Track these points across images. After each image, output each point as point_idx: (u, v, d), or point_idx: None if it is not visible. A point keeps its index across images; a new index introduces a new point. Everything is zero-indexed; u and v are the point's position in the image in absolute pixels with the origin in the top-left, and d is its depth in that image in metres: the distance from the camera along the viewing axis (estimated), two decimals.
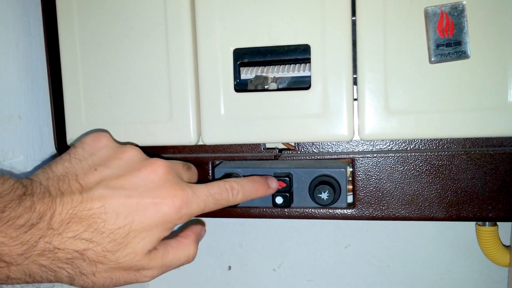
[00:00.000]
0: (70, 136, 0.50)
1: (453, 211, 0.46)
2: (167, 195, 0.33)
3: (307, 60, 0.46)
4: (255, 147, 0.49)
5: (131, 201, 0.32)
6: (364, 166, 0.47)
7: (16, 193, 0.29)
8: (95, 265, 0.31)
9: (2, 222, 0.27)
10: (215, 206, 0.37)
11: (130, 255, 0.32)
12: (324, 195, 0.46)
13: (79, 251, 0.30)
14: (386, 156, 0.47)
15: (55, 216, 0.29)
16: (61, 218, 0.29)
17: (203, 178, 0.50)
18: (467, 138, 0.45)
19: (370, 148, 0.47)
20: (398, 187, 0.47)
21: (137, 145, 0.36)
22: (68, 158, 0.34)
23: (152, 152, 0.51)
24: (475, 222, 0.63)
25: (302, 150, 0.49)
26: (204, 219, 0.67)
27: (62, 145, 0.51)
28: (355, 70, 0.44)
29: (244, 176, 0.48)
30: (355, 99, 0.45)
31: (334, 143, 0.48)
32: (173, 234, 0.37)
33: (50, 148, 0.54)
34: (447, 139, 0.46)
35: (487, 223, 0.61)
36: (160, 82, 0.47)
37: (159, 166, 0.34)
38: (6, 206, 0.28)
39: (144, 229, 0.32)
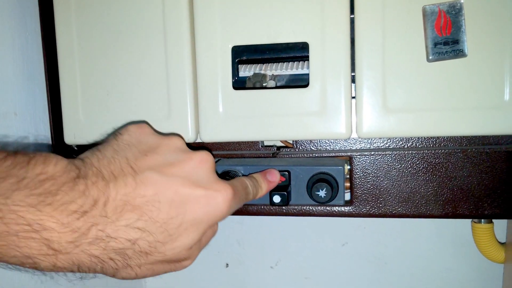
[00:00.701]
0: (68, 133, 0.50)
1: (450, 209, 0.47)
2: (219, 188, 0.32)
3: (306, 58, 0.46)
4: (253, 144, 0.49)
5: (184, 190, 0.31)
6: (362, 163, 0.48)
7: (70, 175, 0.28)
8: (144, 257, 0.30)
9: (53, 207, 0.26)
10: (244, 201, 0.37)
11: (177, 249, 0.31)
12: (322, 193, 0.46)
13: (131, 240, 0.29)
14: (383, 154, 0.47)
15: (109, 202, 0.28)
16: (114, 205, 0.28)
17: None
18: (463, 136, 0.46)
19: (368, 146, 0.48)
20: (395, 185, 0.47)
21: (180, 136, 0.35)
22: (116, 143, 0.33)
23: None
24: (471, 220, 0.64)
25: (300, 147, 0.49)
26: None
27: (59, 142, 0.51)
28: (353, 68, 0.44)
29: (243, 174, 0.48)
30: (353, 97, 0.45)
31: (332, 141, 0.48)
32: None
33: (46, 145, 0.54)
34: (444, 137, 0.46)
35: (482, 220, 0.61)
36: (158, 80, 0.47)
37: (208, 156, 0.34)
38: (59, 189, 0.27)
39: (195, 221, 0.31)
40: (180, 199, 0.31)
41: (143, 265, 0.30)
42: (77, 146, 0.53)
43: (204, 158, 0.33)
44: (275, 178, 0.44)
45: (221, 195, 0.32)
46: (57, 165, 0.28)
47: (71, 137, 0.50)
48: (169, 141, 0.34)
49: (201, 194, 0.31)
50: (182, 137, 0.35)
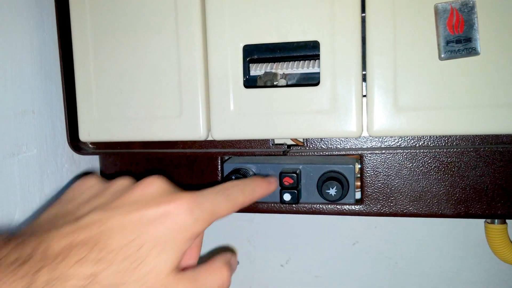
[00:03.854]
0: (82, 131, 0.51)
1: (462, 208, 0.46)
2: (171, 200, 0.30)
3: (316, 57, 0.46)
4: (264, 142, 0.50)
5: (132, 215, 0.28)
6: (373, 162, 0.48)
7: (1, 238, 0.26)
8: None
9: None
10: (227, 204, 0.33)
11: (152, 273, 0.28)
12: (332, 191, 0.46)
13: (90, 275, 0.26)
14: (394, 153, 0.47)
15: (52, 245, 0.26)
16: (59, 247, 0.26)
17: (213, 173, 0.51)
18: (476, 135, 0.45)
19: (379, 144, 0.48)
20: (406, 184, 0.47)
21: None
22: (58, 202, 0.32)
23: (162, 147, 0.52)
24: (484, 220, 0.63)
25: (311, 146, 0.49)
26: None
27: (74, 140, 0.52)
28: (364, 67, 0.44)
29: (253, 171, 0.49)
30: (364, 96, 0.45)
31: (343, 139, 0.48)
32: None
33: (62, 142, 0.55)
34: (456, 136, 0.46)
35: (496, 220, 0.60)
36: (171, 78, 0.47)
37: (153, 178, 0.31)
38: None
39: (157, 242, 0.28)
40: (131, 225, 0.28)
41: None
42: (92, 143, 0.54)
43: (149, 181, 0.31)
44: (274, 180, 0.40)
45: (175, 207, 0.29)
46: None
47: (86, 135, 0.51)
48: (113, 185, 0.32)
49: (153, 213, 0.29)
50: (129, 177, 0.33)
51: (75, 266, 0.25)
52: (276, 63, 0.48)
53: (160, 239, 0.28)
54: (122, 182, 0.32)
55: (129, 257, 0.27)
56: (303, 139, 0.49)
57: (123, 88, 0.49)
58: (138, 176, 0.34)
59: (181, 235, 0.29)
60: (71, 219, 0.28)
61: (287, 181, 0.46)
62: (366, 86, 0.44)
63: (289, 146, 0.50)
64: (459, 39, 0.42)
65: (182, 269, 0.31)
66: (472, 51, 0.42)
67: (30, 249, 0.25)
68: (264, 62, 0.48)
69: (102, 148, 0.54)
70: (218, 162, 0.51)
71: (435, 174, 0.46)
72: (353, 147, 0.48)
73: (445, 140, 0.46)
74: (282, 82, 0.48)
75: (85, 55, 0.50)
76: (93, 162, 0.62)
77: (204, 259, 0.35)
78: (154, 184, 0.31)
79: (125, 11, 0.48)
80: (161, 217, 0.29)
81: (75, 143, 0.52)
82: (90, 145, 0.54)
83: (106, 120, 0.50)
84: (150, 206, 0.29)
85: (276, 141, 0.50)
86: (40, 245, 0.26)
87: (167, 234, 0.29)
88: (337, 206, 0.49)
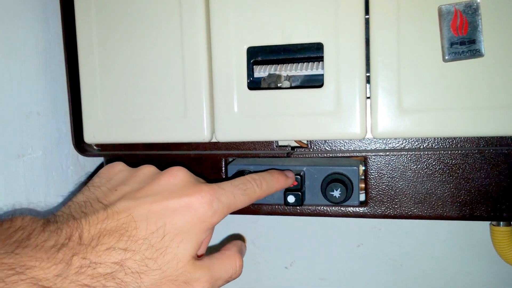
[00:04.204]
0: (87, 133, 0.51)
1: (467, 211, 0.46)
2: (193, 192, 0.32)
3: (320, 58, 0.46)
4: (268, 144, 0.50)
5: (157, 205, 0.31)
6: (377, 164, 0.47)
7: (39, 223, 0.28)
8: (140, 278, 0.29)
9: (30, 248, 0.26)
10: (244, 197, 0.35)
11: (172, 261, 0.30)
12: (337, 193, 0.46)
13: (117, 262, 0.28)
14: (399, 155, 0.47)
15: (84, 233, 0.28)
16: (90, 235, 0.28)
17: (216, 175, 0.51)
18: (481, 137, 0.45)
19: (383, 146, 0.47)
20: (411, 186, 0.47)
21: (166, 168, 0.36)
22: (87, 188, 0.34)
23: (167, 149, 0.52)
24: (489, 222, 0.63)
25: (315, 148, 0.49)
26: None
27: (79, 142, 0.52)
28: (368, 69, 0.44)
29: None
30: (368, 97, 0.45)
31: (347, 141, 0.48)
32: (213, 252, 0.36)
33: (67, 144, 0.55)
34: (461, 137, 0.46)
35: (501, 223, 0.60)
36: (175, 80, 0.48)
37: (177, 169, 0.34)
38: (30, 234, 0.27)
39: (179, 230, 0.31)
40: (155, 215, 0.31)
41: None
42: (96, 145, 0.54)
43: (173, 173, 0.34)
44: (291, 175, 0.43)
45: (196, 199, 0.32)
46: (24, 218, 0.28)
47: (91, 136, 0.51)
48: (139, 172, 0.35)
49: (175, 204, 0.31)
50: (153, 166, 0.36)
51: (104, 254, 0.28)
52: (280, 65, 0.48)
53: (181, 229, 0.31)
54: (147, 170, 0.35)
55: (153, 246, 0.30)
56: (307, 141, 0.49)
57: (128, 90, 0.49)
58: None
59: (201, 225, 0.32)
60: (101, 206, 0.31)
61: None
62: (370, 88, 0.44)
63: (293, 148, 0.50)
64: (463, 41, 0.41)
65: (198, 256, 0.33)
66: (476, 53, 0.41)
67: (66, 235, 0.28)
68: (268, 64, 0.49)
69: (107, 150, 0.54)
70: (222, 163, 0.51)
71: (440, 176, 0.46)
72: (357, 149, 0.48)
73: (449, 142, 0.46)
74: (286, 84, 0.48)
75: (90, 57, 0.50)
76: (98, 163, 0.62)
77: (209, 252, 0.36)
78: (178, 175, 0.33)
79: (130, 14, 0.48)
80: (183, 208, 0.31)
81: (80, 145, 0.53)
82: (95, 147, 0.54)
83: (111, 122, 0.50)
84: (173, 197, 0.31)
85: (280, 143, 0.50)
86: (75, 232, 0.28)
87: (188, 224, 0.31)
88: (341, 208, 0.49)
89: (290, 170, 0.45)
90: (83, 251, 0.27)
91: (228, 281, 0.34)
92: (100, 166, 0.63)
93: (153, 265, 0.29)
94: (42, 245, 0.27)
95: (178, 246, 0.31)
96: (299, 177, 0.46)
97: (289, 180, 0.43)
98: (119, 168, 0.36)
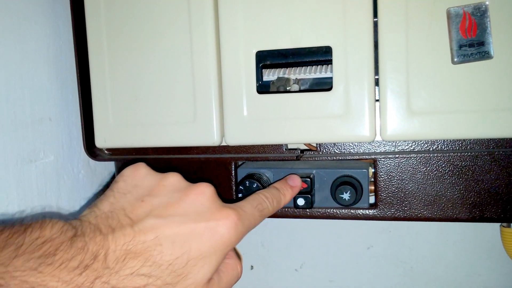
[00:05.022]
0: (98, 137, 0.51)
1: (477, 212, 0.46)
2: (220, 217, 0.32)
3: (329, 62, 0.46)
4: (277, 147, 0.50)
5: (185, 227, 0.31)
6: (386, 166, 0.48)
7: (67, 235, 0.28)
8: None
9: (54, 266, 0.26)
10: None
11: (190, 286, 0.30)
12: (346, 196, 0.46)
13: None
14: (408, 157, 0.47)
15: (109, 254, 0.28)
16: (115, 256, 0.28)
17: (226, 178, 0.51)
18: (490, 139, 0.45)
19: (392, 148, 0.48)
20: (420, 188, 0.47)
21: (177, 171, 0.36)
22: (112, 194, 0.33)
23: (177, 153, 0.52)
24: (499, 224, 0.62)
25: (324, 150, 0.49)
26: None
27: (90, 146, 0.53)
28: (376, 71, 0.44)
29: (267, 176, 0.49)
30: (377, 100, 0.45)
31: (356, 143, 0.48)
32: None
33: (79, 149, 0.56)
34: (470, 139, 0.46)
35: (511, 224, 0.60)
36: (185, 84, 0.48)
37: (205, 187, 0.34)
38: (57, 249, 0.27)
39: (202, 256, 0.31)
40: (182, 238, 0.30)
41: None
42: (107, 149, 0.55)
43: (201, 190, 0.33)
44: (296, 182, 0.44)
45: (223, 224, 0.32)
46: (53, 228, 0.28)
47: (102, 141, 0.51)
48: (165, 181, 0.34)
49: (203, 228, 0.31)
50: (179, 174, 0.35)
51: (127, 279, 0.28)
52: (288, 68, 0.49)
53: (205, 254, 0.31)
54: (174, 180, 0.34)
55: (175, 271, 0.30)
56: (317, 144, 0.49)
57: (138, 94, 0.50)
58: None
59: (224, 249, 0.32)
60: (128, 222, 0.30)
61: (302, 185, 0.46)
62: (379, 91, 0.44)
63: (302, 151, 0.50)
64: (472, 43, 0.42)
65: None
66: (485, 55, 0.41)
67: (92, 254, 0.28)
68: (277, 68, 0.49)
69: (117, 154, 0.54)
70: (232, 167, 0.51)
71: (450, 178, 0.46)
72: (367, 151, 0.48)
73: (459, 144, 0.46)
74: (295, 87, 0.48)
75: (100, 62, 0.51)
76: (109, 168, 0.62)
77: None
78: (206, 193, 0.33)
79: (140, 19, 0.49)
80: (210, 232, 0.31)
81: (91, 150, 0.53)
82: (106, 151, 0.55)
83: (122, 126, 0.50)
84: (201, 220, 0.32)
85: (290, 146, 0.50)
86: (101, 250, 0.28)
87: (212, 248, 0.31)
88: (351, 211, 0.49)
89: (297, 175, 0.46)
90: (107, 274, 0.27)
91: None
92: (112, 170, 0.63)
93: None
94: (67, 265, 0.27)
95: (199, 272, 0.31)
96: (309, 179, 0.46)
97: (295, 190, 0.43)
98: (144, 171, 0.35)
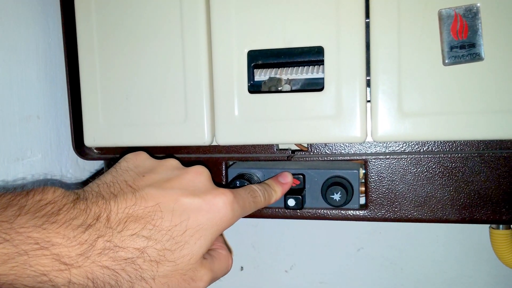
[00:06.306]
0: (88, 136, 0.51)
1: (466, 214, 0.46)
2: (217, 193, 0.34)
3: (321, 62, 0.46)
4: (268, 148, 0.50)
5: (184, 199, 0.32)
6: (377, 167, 0.48)
7: (70, 198, 0.29)
8: (156, 266, 0.30)
9: (58, 224, 0.27)
10: (253, 205, 0.38)
11: (186, 256, 0.31)
12: (337, 196, 0.46)
13: (139, 249, 0.29)
14: (399, 158, 0.47)
15: (112, 216, 0.29)
16: (118, 218, 0.30)
17: (217, 178, 0.51)
18: (480, 141, 0.45)
19: (383, 149, 0.48)
20: (410, 189, 0.47)
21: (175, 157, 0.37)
22: (115, 170, 0.35)
23: (167, 152, 0.52)
24: (489, 225, 0.63)
25: (315, 151, 0.49)
26: None
27: (79, 145, 0.52)
28: (368, 72, 0.44)
29: (257, 176, 0.49)
30: (368, 101, 0.45)
31: (347, 144, 0.48)
32: None
33: (67, 148, 0.55)
34: (461, 141, 0.46)
35: (501, 226, 0.60)
36: (176, 84, 0.48)
37: (203, 169, 0.36)
38: (60, 209, 0.28)
39: (200, 227, 0.32)
40: (181, 208, 0.32)
41: (157, 278, 0.31)
42: (96, 148, 0.54)
43: (199, 171, 0.35)
44: (287, 179, 0.44)
45: (221, 200, 0.33)
46: (55, 192, 0.29)
47: (91, 140, 0.51)
48: (165, 162, 0.36)
49: (201, 201, 0.33)
50: (177, 159, 0.37)
51: (128, 239, 0.29)
52: (280, 68, 0.49)
53: (202, 226, 0.32)
54: (174, 162, 0.37)
55: (174, 238, 0.31)
56: (308, 144, 0.49)
57: (128, 93, 0.49)
58: None
59: (220, 225, 0.33)
60: (130, 190, 0.32)
61: (294, 182, 0.46)
62: (370, 92, 0.45)
63: (293, 151, 0.50)
64: (463, 45, 0.42)
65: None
66: (476, 57, 0.42)
67: (94, 216, 0.29)
68: (269, 68, 0.49)
69: (107, 153, 0.54)
70: (222, 167, 0.51)
71: (440, 179, 0.46)
72: (358, 152, 0.48)
73: (449, 145, 0.46)
74: (287, 87, 0.48)
75: (90, 60, 0.50)
76: (97, 167, 0.62)
77: None
78: (203, 174, 0.35)
79: (131, 18, 0.49)
80: (208, 206, 0.33)
81: (80, 148, 0.53)
82: (95, 150, 0.54)
83: (111, 125, 0.50)
84: (199, 194, 0.33)
85: (281, 146, 0.50)
86: (103, 213, 0.29)
87: (210, 222, 0.33)
88: (342, 212, 0.49)
89: (289, 171, 0.46)
90: (109, 234, 0.29)
91: (218, 279, 0.37)
92: (101, 169, 0.63)
93: (170, 257, 0.31)
94: (70, 223, 0.28)
95: (195, 243, 0.32)
96: (301, 176, 0.46)
97: (285, 187, 0.44)
98: (144, 156, 0.37)
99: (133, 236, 0.29)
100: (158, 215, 0.31)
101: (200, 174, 0.35)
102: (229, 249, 0.39)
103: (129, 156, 0.37)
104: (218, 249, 0.37)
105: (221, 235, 0.39)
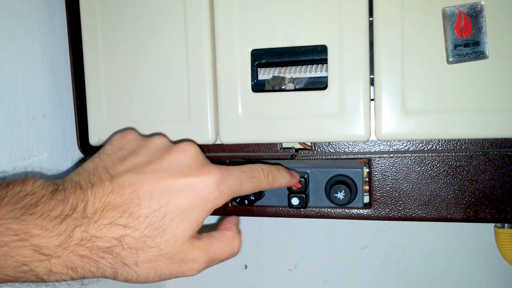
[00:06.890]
0: (92, 135, 0.51)
1: (471, 212, 0.46)
2: (200, 173, 0.32)
3: (324, 61, 0.46)
4: (272, 146, 0.50)
5: (163, 183, 0.31)
6: (381, 166, 0.48)
7: (48, 189, 0.29)
8: (136, 253, 0.30)
9: (36, 216, 0.28)
10: (250, 185, 0.35)
11: (170, 241, 0.31)
12: (340, 195, 0.46)
13: (117, 238, 0.29)
14: (403, 157, 0.47)
15: (88, 206, 0.29)
16: (94, 208, 0.29)
17: None
18: (485, 139, 0.45)
19: (387, 148, 0.48)
20: (415, 188, 0.47)
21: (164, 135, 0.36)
22: (98, 155, 0.35)
23: None
24: (493, 224, 0.63)
25: (319, 150, 0.49)
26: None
27: (84, 144, 0.53)
28: (372, 71, 0.44)
29: None
30: (372, 100, 0.45)
31: (351, 143, 0.48)
32: (212, 228, 0.36)
33: (72, 146, 0.56)
34: (465, 139, 0.46)
35: (506, 224, 0.60)
36: (179, 83, 0.48)
37: (188, 146, 0.33)
38: (38, 201, 0.28)
39: (180, 211, 0.31)
40: (159, 193, 0.31)
41: (140, 263, 0.30)
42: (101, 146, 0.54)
43: (183, 149, 0.33)
44: (297, 176, 0.43)
45: (202, 181, 0.32)
46: (35, 183, 0.29)
47: (96, 138, 0.51)
48: (149, 142, 0.35)
49: (181, 184, 0.31)
50: (165, 136, 0.36)
51: (105, 228, 0.29)
52: (284, 67, 0.49)
53: (183, 209, 0.31)
54: (159, 141, 0.35)
55: (153, 225, 0.30)
56: (311, 143, 0.49)
57: (133, 92, 0.49)
58: None
59: (204, 206, 0.32)
60: (108, 177, 0.31)
61: (295, 185, 0.46)
62: (374, 90, 0.44)
63: (297, 150, 0.50)
64: (467, 43, 0.42)
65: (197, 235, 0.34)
66: (480, 55, 0.41)
67: (71, 206, 0.29)
68: (272, 66, 0.49)
69: None
70: None
71: (444, 178, 0.46)
72: (361, 151, 0.48)
73: (453, 144, 0.46)
74: (290, 86, 0.48)
75: (95, 60, 0.50)
76: None
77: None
78: (188, 152, 0.33)
79: (135, 17, 0.49)
80: (188, 187, 0.31)
81: (85, 147, 0.53)
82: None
83: (116, 124, 0.50)
84: (179, 176, 0.32)
85: (284, 145, 0.50)
86: (80, 203, 0.29)
87: (190, 205, 0.31)
88: (345, 210, 0.49)
89: (296, 171, 0.45)
90: (86, 224, 0.29)
91: (224, 260, 0.35)
92: None
93: (150, 243, 0.30)
94: (48, 214, 0.28)
95: (177, 226, 0.31)
96: (303, 180, 0.46)
97: (293, 180, 0.42)
98: (131, 136, 0.36)
99: (110, 225, 0.29)
100: (135, 202, 0.30)
101: (183, 152, 0.33)
102: (238, 228, 0.37)
103: (116, 137, 0.36)
104: (223, 230, 0.36)
105: (237, 215, 0.37)
